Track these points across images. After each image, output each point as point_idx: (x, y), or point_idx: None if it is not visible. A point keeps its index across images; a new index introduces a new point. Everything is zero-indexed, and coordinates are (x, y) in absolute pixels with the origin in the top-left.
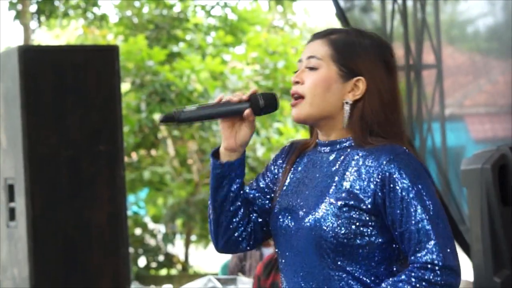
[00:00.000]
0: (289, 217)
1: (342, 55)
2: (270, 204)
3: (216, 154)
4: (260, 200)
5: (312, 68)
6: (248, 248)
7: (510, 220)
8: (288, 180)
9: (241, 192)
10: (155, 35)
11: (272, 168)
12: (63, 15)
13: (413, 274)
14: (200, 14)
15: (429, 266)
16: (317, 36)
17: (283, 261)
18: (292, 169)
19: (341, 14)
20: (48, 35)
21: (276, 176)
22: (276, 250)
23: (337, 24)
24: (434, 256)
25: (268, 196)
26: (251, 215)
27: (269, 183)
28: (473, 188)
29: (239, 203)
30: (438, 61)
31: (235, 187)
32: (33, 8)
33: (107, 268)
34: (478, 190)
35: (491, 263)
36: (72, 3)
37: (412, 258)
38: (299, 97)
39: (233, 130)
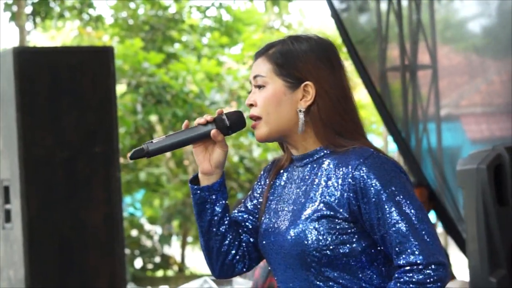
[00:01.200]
0: (272, 236)
1: (282, 66)
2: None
3: (195, 180)
4: (250, 221)
5: (260, 87)
6: (245, 270)
7: (506, 220)
8: (270, 199)
9: (226, 215)
10: (150, 36)
11: (257, 188)
12: (58, 16)
13: (401, 280)
14: (195, 15)
15: (414, 267)
16: (257, 55)
17: (276, 277)
18: (272, 188)
19: (336, 15)
20: (44, 36)
21: (260, 196)
22: (269, 267)
23: (332, 25)
24: (416, 256)
25: (257, 216)
26: (242, 237)
27: (255, 204)
28: (468, 188)
29: (226, 226)
30: (433, 61)
31: (218, 209)
32: (28, 9)
33: (103, 269)
34: (473, 190)
35: (487, 263)
36: (68, 5)
37: (397, 262)
38: (257, 118)
39: (206, 153)
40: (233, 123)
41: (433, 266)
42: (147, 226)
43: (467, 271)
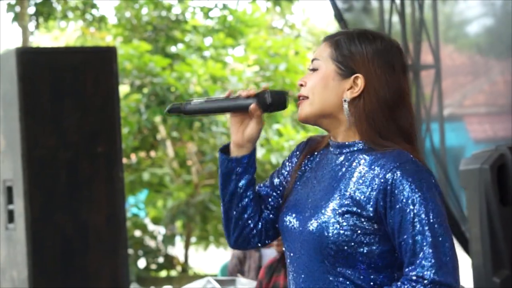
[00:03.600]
0: (295, 218)
1: (340, 53)
2: (282, 201)
3: (225, 150)
4: (272, 197)
5: (314, 70)
6: (259, 245)
7: (509, 220)
8: (298, 178)
9: (251, 188)
10: (153, 36)
11: (287, 164)
12: (61, 17)
13: (403, 286)
14: (199, 15)
15: (420, 280)
16: (324, 39)
17: (288, 260)
18: (303, 167)
19: (339, 15)
20: (47, 37)
21: (289, 174)
22: (284, 246)
23: (335, 25)
24: (427, 271)
25: (281, 194)
26: (263, 212)
27: (282, 181)
28: (472, 189)
29: (248, 200)
30: (437, 61)
31: (242, 182)
32: (31, 10)
33: (106, 269)
34: (477, 190)
35: (490, 263)
36: (71, 5)
37: (406, 270)
38: (304, 98)
39: (241, 126)
40: (274, 102)
41: (440, 286)
42: (151, 227)
43: (470, 271)
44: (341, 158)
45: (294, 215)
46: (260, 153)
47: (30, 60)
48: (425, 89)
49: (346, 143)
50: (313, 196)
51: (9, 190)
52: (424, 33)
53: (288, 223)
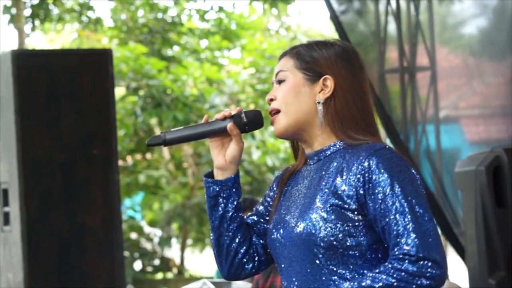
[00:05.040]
0: (281, 229)
1: (303, 61)
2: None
3: (210, 175)
4: (260, 224)
5: (280, 82)
6: (254, 271)
7: (504, 222)
8: (280, 200)
9: (239, 212)
10: (149, 39)
11: (269, 194)
12: (57, 19)
13: (390, 265)
14: (195, 18)
15: (406, 257)
16: (282, 55)
17: (280, 273)
18: (283, 192)
19: (335, 17)
20: (43, 39)
21: (272, 200)
22: (275, 261)
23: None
24: (412, 248)
25: (267, 219)
26: (253, 238)
27: (267, 206)
28: (467, 190)
29: (237, 224)
30: (432, 63)
31: (230, 206)
32: (27, 12)
33: (102, 272)
34: (472, 192)
35: (486, 265)
36: (67, 7)
37: (392, 251)
38: (276, 112)
39: (222, 149)
40: (251, 120)
41: (427, 262)
42: (147, 229)
43: (465, 273)
44: (320, 163)
45: (279, 228)
46: (256, 155)
47: (26, 62)
48: (421, 91)
49: (324, 148)
50: (296, 205)
51: (5, 192)
52: (420, 35)
53: (275, 235)
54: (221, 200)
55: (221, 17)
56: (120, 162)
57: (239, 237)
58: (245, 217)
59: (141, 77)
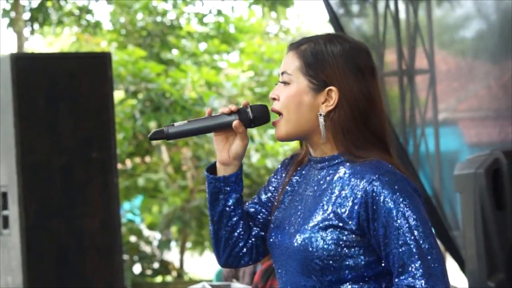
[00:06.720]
0: (280, 235)
1: (310, 66)
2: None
3: (212, 169)
4: (261, 214)
5: (285, 83)
6: (251, 262)
7: (503, 225)
8: (284, 195)
9: (239, 207)
10: (148, 42)
11: (273, 181)
12: (56, 22)
13: None
14: (194, 21)
15: None
16: (290, 47)
17: (277, 276)
18: (289, 183)
19: (335, 20)
20: (42, 42)
21: (276, 190)
22: (273, 263)
23: (330, 30)
24: (416, 280)
25: (269, 210)
26: (252, 230)
27: (270, 197)
28: (466, 193)
29: (238, 218)
30: (431, 66)
31: (231, 201)
32: (26, 15)
33: (101, 275)
34: (471, 194)
35: (485, 268)
36: (66, 11)
37: (396, 280)
38: (279, 114)
39: (226, 144)
40: (257, 117)
41: None
42: (146, 232)
43: (462, 275)
44: (322, 173)
45: (279, 232)
46: (255, 158)
47: (25, 65)
48: (420, 94)
49: (326, 157)
50: (297, 213)
51: (4, 196)
52: (419, 38)
53: (274, 240)
54: (221, 196)
55: (220, 20)
56: (119, 166)
57: (238, 231)
58: (247, 204)
59: (140, 80)
